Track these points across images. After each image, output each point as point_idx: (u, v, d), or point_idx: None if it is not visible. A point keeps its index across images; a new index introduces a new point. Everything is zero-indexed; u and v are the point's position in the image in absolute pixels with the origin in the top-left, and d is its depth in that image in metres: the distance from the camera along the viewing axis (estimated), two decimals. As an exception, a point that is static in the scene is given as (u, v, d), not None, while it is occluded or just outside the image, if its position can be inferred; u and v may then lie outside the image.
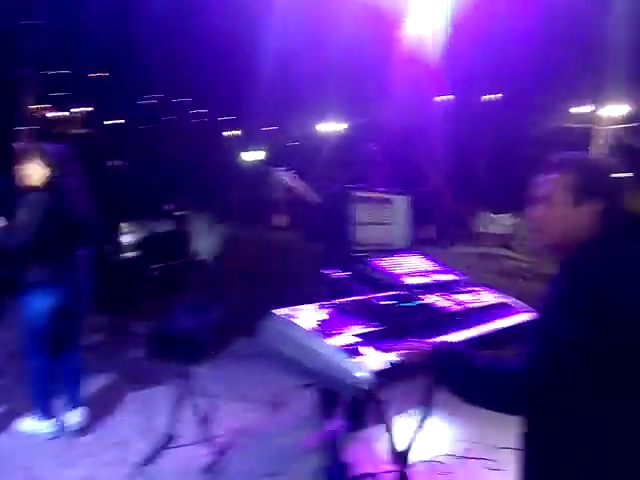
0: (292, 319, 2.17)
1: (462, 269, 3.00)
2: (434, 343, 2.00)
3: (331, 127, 24.73)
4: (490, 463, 4.08)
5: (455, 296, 2.68)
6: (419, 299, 2.46)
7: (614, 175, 1.87)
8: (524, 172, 1.97)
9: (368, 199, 2.69)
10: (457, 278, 2.80)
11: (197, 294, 6.92)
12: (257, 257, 11.94)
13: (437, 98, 21.28)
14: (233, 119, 27.81)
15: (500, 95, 21.97)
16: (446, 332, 2.34)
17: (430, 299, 2.52)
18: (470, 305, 2.67)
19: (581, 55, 14.79)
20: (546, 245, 1.91)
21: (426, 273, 2.69)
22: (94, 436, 4.21)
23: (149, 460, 3.84)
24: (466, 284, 2.87)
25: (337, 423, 3.36)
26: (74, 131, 22.63)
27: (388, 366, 1.93)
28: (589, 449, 1.69)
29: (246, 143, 26.43)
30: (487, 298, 2.88)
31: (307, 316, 2.23)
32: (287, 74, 18.49)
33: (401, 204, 2.92)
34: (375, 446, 3.99)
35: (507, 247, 19.43)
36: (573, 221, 1.81)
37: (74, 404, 4.26)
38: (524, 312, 2.81)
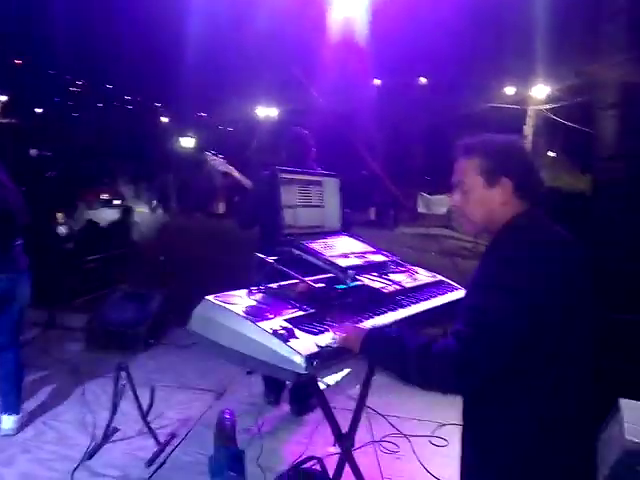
0: (224, 305, 2.11)
1: (404, 249, 3.01)
2: (366, 329, 1.96)
3: (265, 112, 24.57)
4: (436, 440, 4.14)
5: (390, 276, 2.66)
6: (353, 280, 2.43)
7: (520, 153, 1.91)
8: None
9: (296, 181, 2.63)
10: (391, 259, 2.78)
11: (135, 284, 6.79)
12: (195, 244, 11.82)
13: (370, 82, 21.38)
14: (167, 106, 27.34)
15: (430, 78, 22.22)
16: (382, 312, 2.34)
17: (365, 280, 2.49)
18: (406, 285, 2.66)
19: (508, 37, 15.09)
20: (473, 228, 1.96)
21: (359, 254, 2.66)
22: (33, 432, 4.07)
23: (91, 455, 3.75)
24: (401, 264, 2.86)
25: (227, 411, 3.35)
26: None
27: (322, 349, 1.90)
28: (518, 422, 1.74)
29: (180, 129, 26.04)
30: (422, 277, 2.89)
31: (239, 302, 2.18)
32: (218, 60, 18.26)
33: (332, 186, 2.87)
34: (320, 429, 4.00)
35: (448, 227, 19.77)
36: (490, 203, 1.86)
37: (10, 410, 4.04)
38: (459, 290, 2.83)
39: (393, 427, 4.23)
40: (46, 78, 22.10)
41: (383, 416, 4.33)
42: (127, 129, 24.02)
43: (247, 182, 4.37)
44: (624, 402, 3.00)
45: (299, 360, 1.83)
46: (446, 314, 2.58)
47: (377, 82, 22.21)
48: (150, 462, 3.72)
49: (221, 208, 21.18)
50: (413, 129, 23.71)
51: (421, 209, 22.43)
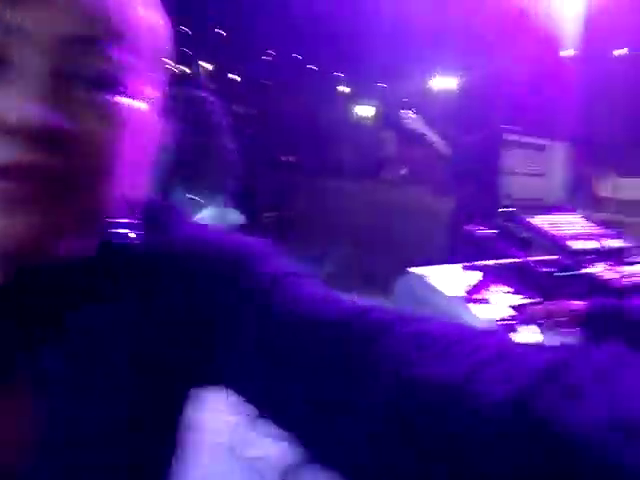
0: (431, 281, 1.80)
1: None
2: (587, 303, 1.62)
3: (442, 82, 23.84)
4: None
5: (626, 268, 2.21)
6: (582, 267, 2.02)
7: None
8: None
9: (521, 144, 2.25)
10: (631, 245, 2.31)
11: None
12: (374, 216, 11.65)
13: (560, 52, 20.01)
14: (345, 75, 27.45)
15: (632, 50, 20.35)
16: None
17: (594, 269, 2.07)
18: (640, 280, 2.20)
19: None
20: None
21: (592, 236, 2.23)
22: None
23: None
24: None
25: None
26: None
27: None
28: None
29: (358, 99, 26.09)
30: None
31: (448, 278, 1.85)
32: (397, 27, 17.86)
33: (558, 152, 2.46)
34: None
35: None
36: None
37: None
38: None
39: None
40: (243, 48, 23.03)
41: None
42: (310, 97, 24.49)
43: (443, 147, 4.01)
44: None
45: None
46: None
47: (569, 52, 20.75)
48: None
49: (398, 175, 20.96)
50: (611, 105, 22.03)
51: (604, 192, 20.82)
